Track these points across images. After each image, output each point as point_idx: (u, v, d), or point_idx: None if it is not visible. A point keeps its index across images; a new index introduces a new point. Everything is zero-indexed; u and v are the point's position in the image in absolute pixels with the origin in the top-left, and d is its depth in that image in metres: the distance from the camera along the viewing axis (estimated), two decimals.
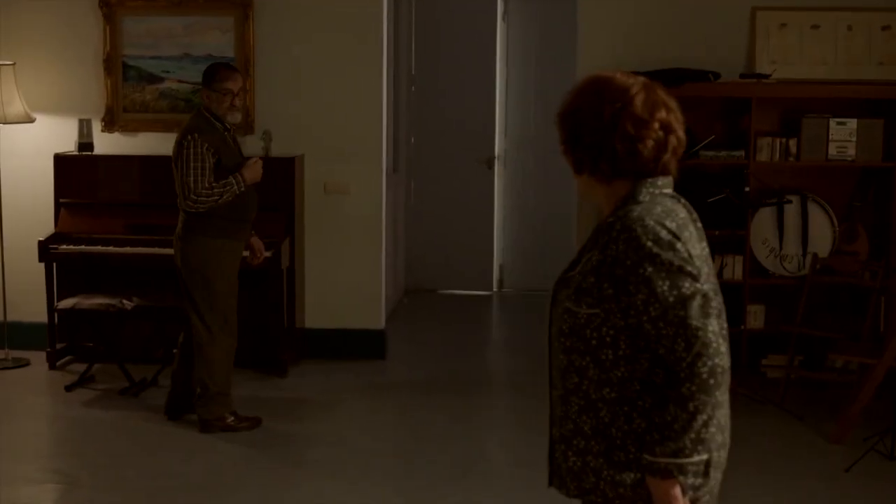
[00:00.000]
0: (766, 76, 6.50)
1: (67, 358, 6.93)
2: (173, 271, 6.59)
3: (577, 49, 6.98)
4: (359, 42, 6.93)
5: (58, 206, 6.84)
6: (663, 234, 2.23)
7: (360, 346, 7.08)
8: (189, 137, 5.44)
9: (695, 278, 2.22)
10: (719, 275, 6.35)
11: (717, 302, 2.28)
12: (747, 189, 6.23)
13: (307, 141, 6.98)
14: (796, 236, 6.52)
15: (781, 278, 6.57)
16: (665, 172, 2.36)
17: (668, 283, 2.21)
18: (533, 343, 7.68)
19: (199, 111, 5.63)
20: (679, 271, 2.21)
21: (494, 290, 9.53)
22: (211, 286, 5.54)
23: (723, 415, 2.31)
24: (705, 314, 2.21)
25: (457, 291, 9.44)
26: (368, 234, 7.05)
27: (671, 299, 2.20)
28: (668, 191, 2.36)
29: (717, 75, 6.51)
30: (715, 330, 2.22)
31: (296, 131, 6.96)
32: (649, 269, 2.21)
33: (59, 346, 6.85)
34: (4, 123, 6.71)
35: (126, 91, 7.06)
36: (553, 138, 8.33)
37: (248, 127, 6.94)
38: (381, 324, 7.13)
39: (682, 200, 2.39)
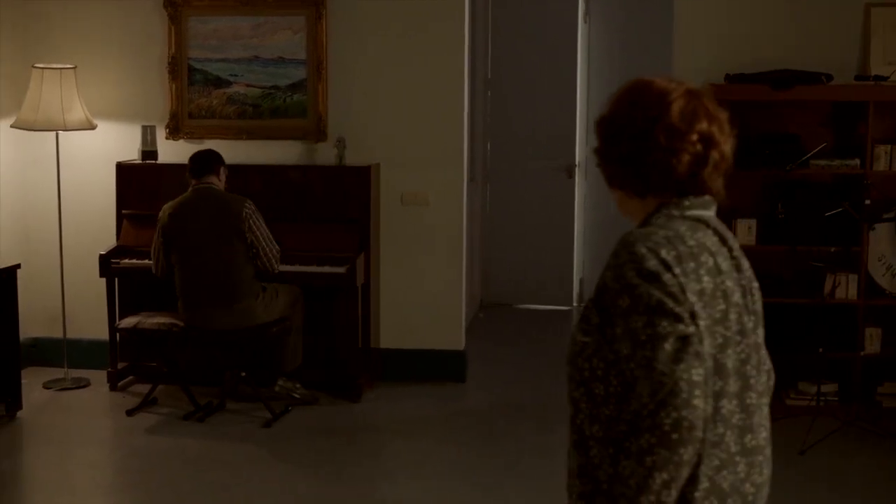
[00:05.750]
0: (884, 78, 5.96)
1: (129, 378, 6.58)
2: None
3: (672, 50, 6.46)
4: (439, 42, 6.50)
5: (120, 217, 6.51)
6: (651, 263, 1.97)
7: (439, 368, 6.64)
8: (249, 204, 5.77)
9: (676, 318, 1.93)
10: (831, 295, 5.85)
11: (721, 346, 1.99)
12: (868, 202, 5.70)
13: (383, 149, 6.56)
14: None
15: None
16: (704, 191, 2.10)
17: (644, 319, 1.95)
18: None
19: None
20: (658, 307, 1.94)
21: (574, 305, 9.05)
22: None
23: (727, 480, 2.01)
24: (678, 359, 1.91)
25: (534, 306, 9.00)
26: (448, 248, 6.61)
27: (643, 338, 1.94)
28: (697, 212, 2.09)
29: (829, 77, 5.98)
30: (691, 379, 1.90)
31: (371, 138, 6.54)
32: (627, 302, 1.97)
33: (120, 365, 6.51)
34: (65, 130, 6.38)
35: (192, 96, 6.69)
36: None
37: (320, 134, 6.54)
38: (461, 344, 6.69)
39: (713, 224, 2.11)
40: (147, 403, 6.11)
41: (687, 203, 2.08)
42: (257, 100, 6.63)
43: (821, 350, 5.77)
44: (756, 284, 2.14)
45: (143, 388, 6.28)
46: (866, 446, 5.52)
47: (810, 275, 5.97)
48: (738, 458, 2.02)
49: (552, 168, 8.94)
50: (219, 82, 6.67)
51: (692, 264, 1.99)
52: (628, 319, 1.96)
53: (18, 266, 5.99)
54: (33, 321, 6.70)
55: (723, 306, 2.01)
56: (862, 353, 5.97)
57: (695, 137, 2.06)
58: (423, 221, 6.59)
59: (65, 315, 6.57)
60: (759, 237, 6.00)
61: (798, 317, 5.96)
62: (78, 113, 6.38)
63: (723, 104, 2.20)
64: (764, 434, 2.09)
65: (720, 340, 2.00)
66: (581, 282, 9.08)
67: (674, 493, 1.92)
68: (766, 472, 2.10)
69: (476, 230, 8.50)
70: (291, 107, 6.59)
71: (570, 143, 8.93)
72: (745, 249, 6.34)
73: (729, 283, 2.04)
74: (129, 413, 5.99)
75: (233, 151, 6.52)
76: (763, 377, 2.11)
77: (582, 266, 9.08)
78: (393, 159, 6.56)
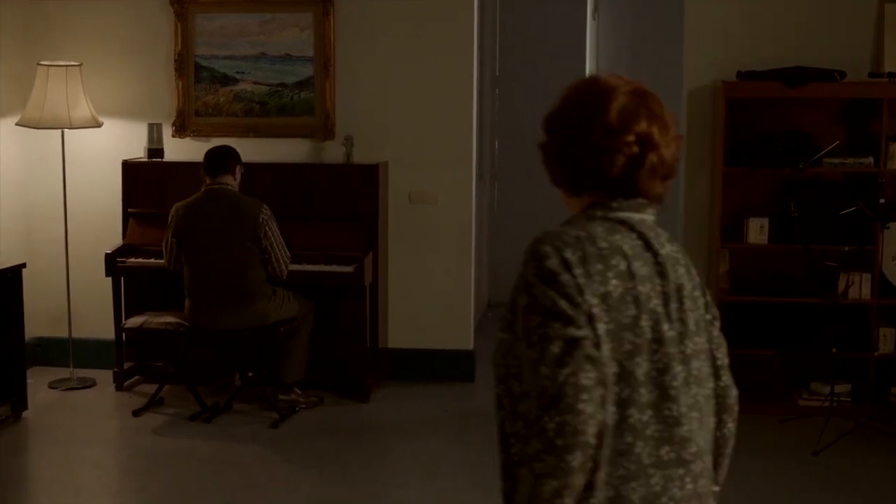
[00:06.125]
0: None
1: (135, 378, 6.53)
2: None
3: (683, 47, 6.40)
4: (447, 39, 6.44)
5: (126, 216, 6.45)
6: (551, 263, 1.92)
7: (448, 367, 6.58)
8: (265, 209, 5.67)
9: (568, 320, 1.87)
10: (845, 294, 5.78)
11: (629, 353, 1.90)
12: (882, 200, 5.63)
13: (391, 147, 6.50)
14: None
15: None
16: (638, 193, 2.03)
17: (538, 319, 1.90)
18: None
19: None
20: (551, 308, 1.89)
21: None
22: None
23: (637, 493, 1.91)
24: (563, 363, 1.84)
25: None
26: (457, 247, 6.55)
27: (534, 338, 1.89)
28: (623, 214, 2.02)
29: (842, 74, 5.91)
30: (578, 383, 1.83)
31: (379, 137, 6.48)
32: (525, 301, 1.93)
33: (126, 365, 6.45)
34: (70, 128, 6.33)
35: (198, 93, 6.64)
36: None
37: (328, 132, 6.49)
38: (469, 344, 6.63)
39: (639, 228, 2.01)
40: (153, 404, 6.05)
41: (615, 204, 2.02)
42: (264, 97, 6.58)
43: (834, 350, 5.71)
44: (696, 293, 2.04)
45: (150, 389, 6.23)
46: (880, 447, 5.45)
47: (823, 274, 5.91)
48: (651, 471, 1.92)
49: None
50: (225, 80, 6.62)
51: (599, 266, 1.92)
52: (526, 318, 1.92)
53: (23, 265, 5.94)
54: (38, 321, 6.65)
55: (633, 312, 1.92)
56: (875, 354, 5.91)
57: (631, 138, 1.98)
58: (431, 220, 6.54)
59: (70, 314, 6.53)
60: (772, 236, 5.94)
61: (811, 316, 5.90)
62: (83, 111, 6.33)
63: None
64: (693, 449, 1.96)
65: (628, 347, 1.91)
66: None
67: (568, 502, 1.85)
68: (691, 486, 1.97)
69: (484, 229, 8.44)
70: (299, 104, 6.54)
71: None
72: (758, 248, 6.28)
73: (643, 289, 1.94)
74: (136, 413, 5.94)
75: (240, 149, 6.44)
76: (693, 389, 1.98)
77: None
78: (401, 158, 6.50)
